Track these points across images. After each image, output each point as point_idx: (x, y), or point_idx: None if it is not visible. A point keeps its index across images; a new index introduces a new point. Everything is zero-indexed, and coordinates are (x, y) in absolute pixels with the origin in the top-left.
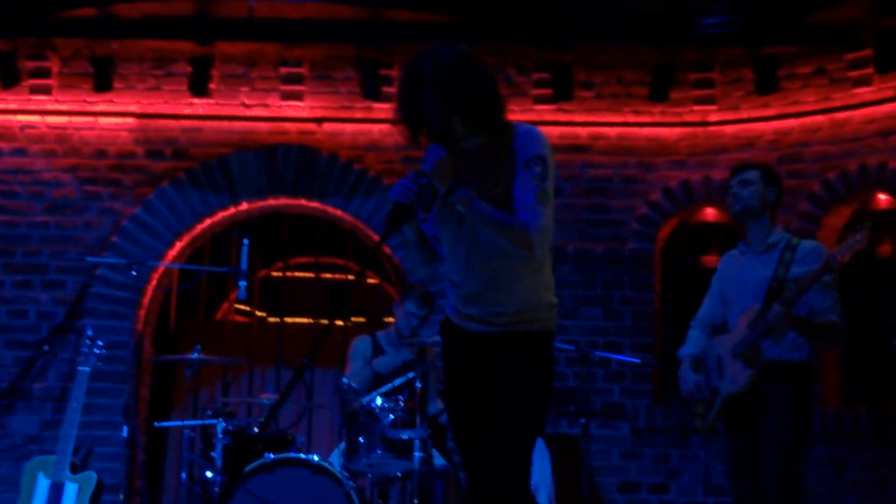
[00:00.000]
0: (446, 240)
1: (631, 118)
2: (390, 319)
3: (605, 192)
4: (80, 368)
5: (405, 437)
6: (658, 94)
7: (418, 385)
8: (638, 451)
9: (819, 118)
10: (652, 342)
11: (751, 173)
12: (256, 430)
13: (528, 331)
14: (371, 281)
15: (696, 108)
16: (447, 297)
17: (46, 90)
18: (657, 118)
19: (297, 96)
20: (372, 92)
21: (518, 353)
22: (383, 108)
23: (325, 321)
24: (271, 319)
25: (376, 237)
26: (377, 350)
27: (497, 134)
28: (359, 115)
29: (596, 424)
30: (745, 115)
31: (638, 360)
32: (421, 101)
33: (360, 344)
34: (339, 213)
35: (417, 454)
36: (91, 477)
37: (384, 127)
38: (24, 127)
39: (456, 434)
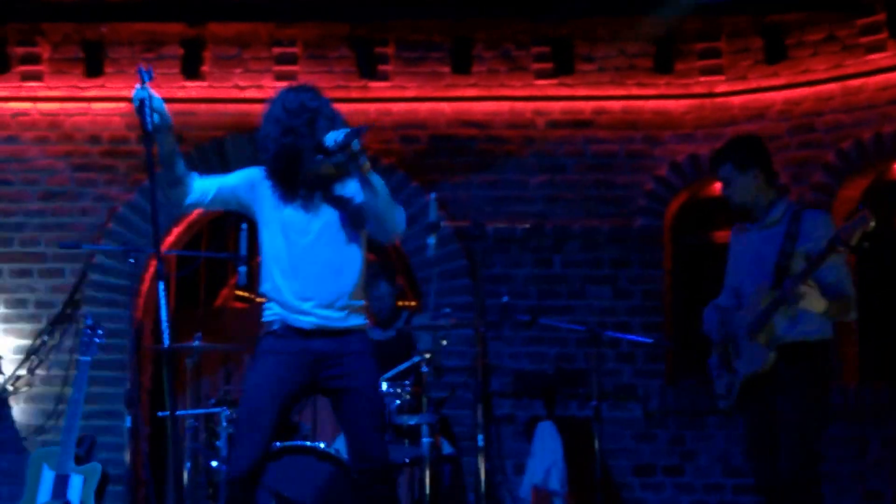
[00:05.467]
0: (290, 233)
1: (635, 91)
2: None
3: (610, 167)
4: (81, 358)
5: (412, 422)
6: (663, 66)
7: (424, 369)
8: (651, 433)
9: (831, 86)
10: (662, 321)
11: (724, 170)
12: None
13: (358, 326)
14: None
15: (702, 79)
16: (271, 307)
17: (37, 76)
18: (662, 90)
19: (292, 76)
20: (367, 71)
21: (361, 357)
22: (380, 87)
23: None
24: None
25: None
26: None
27: None
28: (354, 94)
29: (607, 406)
30: (753, 84)
31: (650, 340)
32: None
33: None
34: None
35: (425, 440)
36: (96, 468)
37: (381, 106)
38: (15, 114)
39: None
